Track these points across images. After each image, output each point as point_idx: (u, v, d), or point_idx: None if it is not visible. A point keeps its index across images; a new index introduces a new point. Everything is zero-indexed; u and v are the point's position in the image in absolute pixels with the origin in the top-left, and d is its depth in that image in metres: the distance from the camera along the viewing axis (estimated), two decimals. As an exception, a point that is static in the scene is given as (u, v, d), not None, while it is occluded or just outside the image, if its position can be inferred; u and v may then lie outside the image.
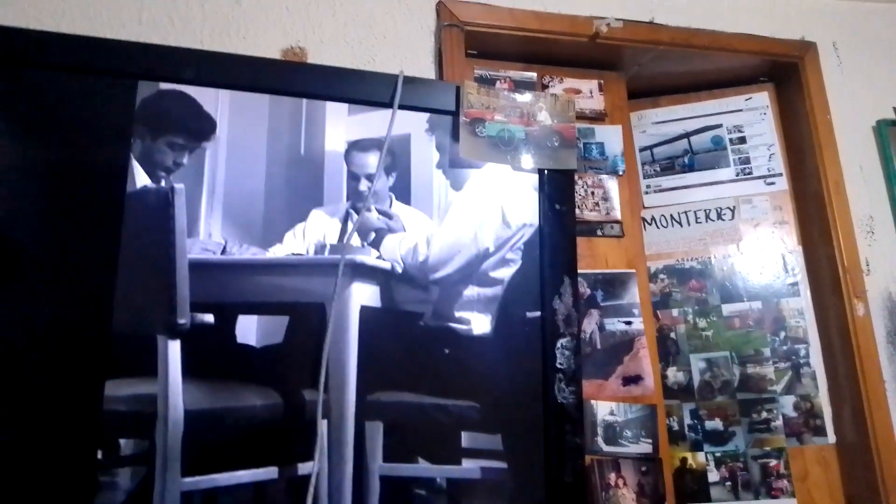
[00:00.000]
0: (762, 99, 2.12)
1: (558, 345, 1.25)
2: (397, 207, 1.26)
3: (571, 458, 1.22)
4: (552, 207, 1.31)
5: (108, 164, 1.10)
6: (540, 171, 1.32)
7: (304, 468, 1.09)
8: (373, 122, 1.25)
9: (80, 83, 1.12)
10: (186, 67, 1.15)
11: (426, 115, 1.29)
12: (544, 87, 1.90)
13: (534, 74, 1.89)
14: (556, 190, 1.32)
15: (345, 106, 1.24)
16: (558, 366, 1.24)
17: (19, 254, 1.04)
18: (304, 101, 1.22)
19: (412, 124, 1.28)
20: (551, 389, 1.23)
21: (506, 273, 1.28)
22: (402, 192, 1.28)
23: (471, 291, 1.24)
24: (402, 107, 1.24)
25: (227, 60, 1.20)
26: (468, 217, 1.27)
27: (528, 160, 1.30)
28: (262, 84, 1.21)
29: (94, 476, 1.00)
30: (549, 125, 1.32)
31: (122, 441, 1.05)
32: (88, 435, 1.01)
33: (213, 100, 1.17)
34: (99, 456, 1.02)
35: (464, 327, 1.23)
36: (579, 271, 1.77)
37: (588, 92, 1.95)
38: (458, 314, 1.24)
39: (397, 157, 1.26)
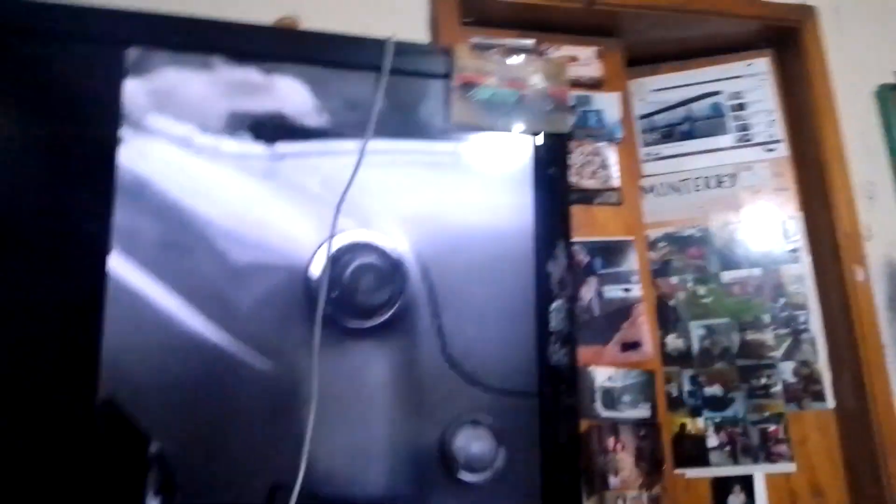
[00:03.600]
0: (762, 65, 2.10)
1: (552, 308, 1.25)
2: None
3: (565, 419, 1.22)
4: (545, 171, 1.31)
5: (96, 134, 1.10)
6: (533, 135, 1.32)
7: None
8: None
9: (66, 51, 1.12)
10: (174, 34, 1.15)
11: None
12: (541, 54, 1.88)
13: (530, 42, 1.87)
14: (549, 154, 1.32)
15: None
16: (552, 328, 1.24)
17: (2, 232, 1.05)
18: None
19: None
20: (545, 352, 1.23)
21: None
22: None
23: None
24: (393, 72, 1.23)
25: (217, 27, 1.20)
26: None
27: (520, 124, 1.30)
28: (252, 51, 1.21)
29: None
30: (542, 89, 1.32)
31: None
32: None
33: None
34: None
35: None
36: (578, 239, 1.78)
37: (585, 59, 1.94)
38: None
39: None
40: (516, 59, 1.33)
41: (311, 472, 1.07)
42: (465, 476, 1.16)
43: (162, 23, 1.16)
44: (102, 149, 1.11)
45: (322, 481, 1.11)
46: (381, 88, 1.22)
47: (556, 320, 1.25)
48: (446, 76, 1.28)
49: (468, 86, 1.27)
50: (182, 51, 1.15)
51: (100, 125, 1.12)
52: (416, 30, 1.70)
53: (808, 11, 2.03)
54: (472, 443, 1.18)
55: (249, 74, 1.19)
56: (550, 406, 1.21)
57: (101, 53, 1.12)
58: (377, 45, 1.26)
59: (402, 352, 1.20)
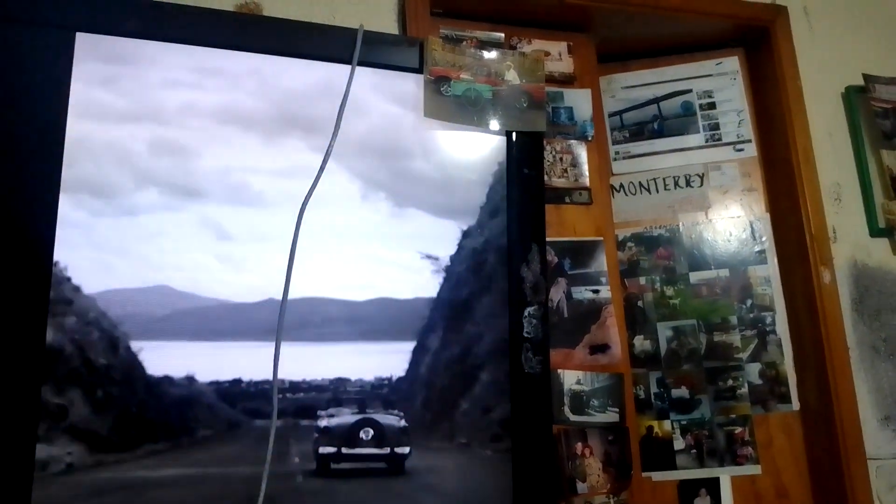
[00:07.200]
0: (732, 64, 2.08)
1: (525, 313, 1.21)
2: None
3: (539, 430, 1.18)
4: (520, 172, 1.26)
5: (44, 119, 1.01)
6: (507, 134, 1.27)
7: None
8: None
9: (15, 34, 1.03)
10: (130, 19, 1.07)
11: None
12: (512, 48, 1.83)
13: (501, 35, 1.82)
14: (525, 153, 1.27)
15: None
16: (525, 335, 1.20)
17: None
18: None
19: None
20: (518, 359, 1.19)
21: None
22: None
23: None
24: (362, 63, 1.17)
25: (175, 11, 1.12)
26: None
27: (495, 121, 1.25)
28: (214, 38, 1.13)
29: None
30: (517, 85, 1.26)
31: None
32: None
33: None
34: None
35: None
36: (547, 239, 1.74)
37: (557, 54, 1.89)
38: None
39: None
40: (491, 54, 1.28)
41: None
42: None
43: (115, 6, 1.08)
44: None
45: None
46: (350, 80, 1.15)
47: (529, 326, 1.20)
48: (418, 70, 1.22)
49: (441, 80, 1.21)
50: (136, 37, 1.07)
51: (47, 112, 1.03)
52: (384, 19, 1.63)
53: (779, 11, 2.01)
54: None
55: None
56: (523, 416, 1.17)
57: (49, 38, 1.03)
58: (346, 34, 1.19)
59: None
